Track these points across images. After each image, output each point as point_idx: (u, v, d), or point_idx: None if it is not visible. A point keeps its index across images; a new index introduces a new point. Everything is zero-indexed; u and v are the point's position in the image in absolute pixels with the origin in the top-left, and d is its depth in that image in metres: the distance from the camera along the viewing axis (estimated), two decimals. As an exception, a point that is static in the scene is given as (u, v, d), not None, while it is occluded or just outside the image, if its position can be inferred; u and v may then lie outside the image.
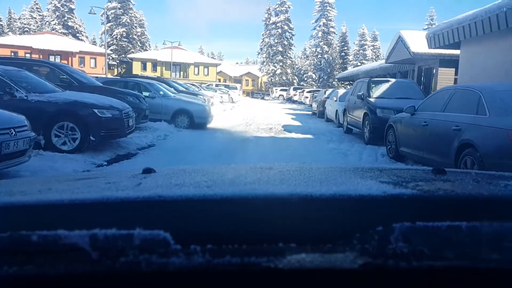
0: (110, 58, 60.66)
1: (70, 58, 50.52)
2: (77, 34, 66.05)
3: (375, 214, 0.53)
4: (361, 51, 58.94)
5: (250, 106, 30.44)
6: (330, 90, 19.42)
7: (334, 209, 0.55)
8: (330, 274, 0.48)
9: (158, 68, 55.74)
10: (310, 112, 22.56)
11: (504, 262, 0.49)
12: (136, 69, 55.38)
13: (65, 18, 65.13)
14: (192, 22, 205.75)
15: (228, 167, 0.96)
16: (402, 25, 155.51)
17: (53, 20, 64.78)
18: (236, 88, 36.37)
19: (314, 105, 20.74)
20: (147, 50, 62.27)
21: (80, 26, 68.02)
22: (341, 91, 15.84)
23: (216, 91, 30.08)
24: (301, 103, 36.13)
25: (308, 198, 0.56)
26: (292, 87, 44.84)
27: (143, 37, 74.86)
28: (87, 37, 68.14)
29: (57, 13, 64.83)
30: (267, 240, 0.48)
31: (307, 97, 33.74)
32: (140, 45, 67.01)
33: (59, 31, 62.26)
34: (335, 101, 15.21)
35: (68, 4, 64.64)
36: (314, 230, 0.50)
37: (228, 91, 33.64)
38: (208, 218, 0.52)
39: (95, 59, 52.55)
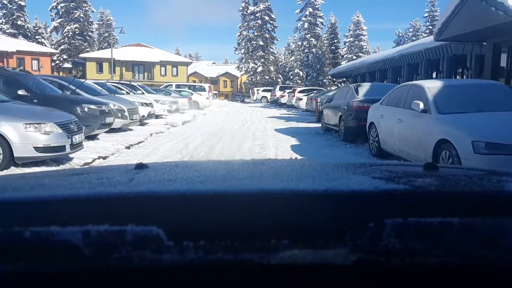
0: (61, 58, 49.73)
1: (5, 59, 39.39)
2: (36, 36, 54.93)
3: (367, 210, 0.51)
4: (356, 42, 48.97)
5: (221, 115, 20.13)
6: (367, 85, 9.31)
7: (326, 205, 0.52)
8: (322, 270, 0.47)
9: (117, 69, 44.96)
10: (319, 126, 12.46)
11: (497, 259, 0.48)
12: (91, 70, 44.57)
13: (14, 17, 53.67)
14: (169, 24, 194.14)
15: (221, 162, 0.93)
16: (394, 22, 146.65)
17: (0, 19, 53.37)
18: (204, 90, 26.03)
19: (329, 115, 10.55)
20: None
21: (40, 28, 56.71)
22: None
23: (170, 94, 19.74)
24: (292, 107, 25.93)
25: (301, 194, 0.53)
26: (278, 86, 34.56)
27: (110, 38, 64.30)
28: (52, 43, 56.13)
29: (4, 11, 53.43)
30: (260, 236, 0.46)
31: (300, 99, 23.58)
32: (107, 46, 56.15)
33: (7, 31, 51.04)
34: None
35: (17, 1, 53.08)
36: (306, 226, 0.48)
37: (191, 94, 23.30)
38: (201, 214, 0.50)
39: (38, 60, 41.41)
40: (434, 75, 18.20)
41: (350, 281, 0.48)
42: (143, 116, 12.43)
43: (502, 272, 0.49)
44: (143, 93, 16.51)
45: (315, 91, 22.77)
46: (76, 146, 5.93)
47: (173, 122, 13.60)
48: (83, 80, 10.27)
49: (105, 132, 9.79)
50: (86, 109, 7.77)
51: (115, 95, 11.32)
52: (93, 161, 6.68)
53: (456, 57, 15.57)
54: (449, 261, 0.47)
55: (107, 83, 13.63)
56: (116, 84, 14.42)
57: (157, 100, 15.12)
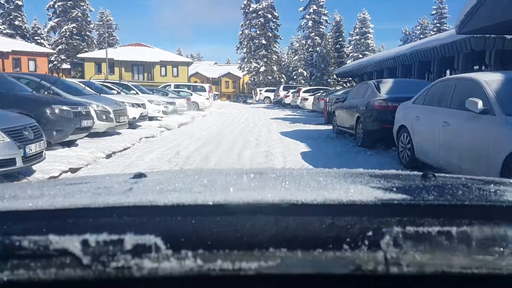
0: (59, 59, 48.59)
1: (0, 59, 38.29)
2: (35, 37, 53.89)
3: (366, 220, 0.51)
4: (362, 40, 47.50)
5: (221, 117, 18.89)
6: (389, 82, 7.95)
7: (324, 214, 0.52)
8: (320, 279, 0.48)
9: (116, 70, 43.79)
10: (330, 128, 11.19)
11: (495, 268, 0.48)
12: (89, 71, 43.35)
13: (11, 17, 52.67)
14: (170, 25, 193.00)
15: (219, 172, 0.93)
16: (399, 21, 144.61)
17: (-4, 19, 52.37)
18: (204, 90, 24.75)
19: (343, 116, 9.27)
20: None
21: (39, 28, 55.64)
22: None
23: (167, 95, 18.52)
24: (296, 107, 24.62)
25: (299, 204, 0.54)
26: (281, 86, 33.15)
27: (111, 38, 63.18)
28: (49, 43, 54.69)
29: (1, 11, 52.43)
30: (258, 246, 0.47)
31: (306, 99, 22.31)
32: (107, 46, 54.88)
33: (4, 31, 50.03)
34: None
35: (14, 0, 52.01)
36: (304, 235, 0.49)
37: (190, 95, 22.06)
38: (200, 223, 0.50)
39: (34, 60, 40.26)
40: (447, 73, 17.08)
41: None
42: (134, 118, 11.17)
43: (501, 281, 0.48)
44: (137, 93, 15.28)
45: (321, 91, 21.48)
46: (32, 158, 4.67)
47: (168, 125, 12.34)
48: (57, 77, 8.98)
49: (87, 137, 8.56)
50: (57, 111, 6.51)
51: (101, 94, 10.06)
52: (60, 174, 5.43)
53: (473, 54, 14.32)
54: (448, 270, 0.47)
55: (96, 82, 12.40)
56: (104, 83, 13.16)
57: (151, 100, 13.85)
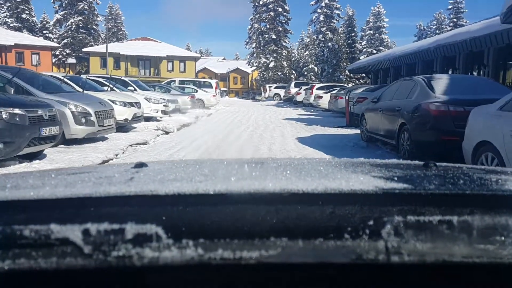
0: (64, 53, 47.13)
1: (3, 53, 36.86)
2: (44, 31, 52.54)
3: (367, 209, 0.51)
4: (376, 35, 45.28)
5: (228, 116, 17.13)
6: (444, 78, 6.11)
7: (325, 204, 0.52)
8: (321, 268, 0.48)
9: (122, 64, 42.19)
10: (356, 133, 9.37)
11: (495, 257, 0.48)
12: (95, 65, 41.85)
13: (19, 10, 51.32)
14: (179, 20, 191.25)
15: (221, 162, 0.91)
16: (411, 18, 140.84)
17: (4, 12, 51.11)
18: (210, 86, 22.98)
19: (377, 120, 7.43)
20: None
21: (48, 22, 54.21)
22: None
23: (169, 91, 16.82)
24: (309, 106, 22.75)
25: (300, 193, 0.54)
26: (293, 83, 31.28)
27: (119, 33, 61.75)
28: (56, 38, 53.23)
29: (9, 4, 51.10)
30: (259, 235, 0.47)
31: (320, 97, 20.43)
32: (116, 41, 53.33)
33: (11, 25, 48.74)
34: None
35: (22, -7, 50.69)
36: (305, 224, 0.49)
37: (195, 91, 20.31)
38: (201, 212, 0.50)
39: (38, 54, 38.77)
40: (474, 70, 15.30)
41: (349, 279, 0.48)
42: (126, 119, 9.47)
43: (501, 270, 0.48)
44: (134, 89, 13.60)
45: (337, 88, 19.60)
46: None
47: (167, 127, 10.61)
48: (19, 67, 7.28)
49: (64, 144, 6.86)
50: (4, 116, 4.78)
51: (85, 92, 8.35)
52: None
53: (507, 48, 12.42)
54: (449, 259, 0.47)
55: (83, 77, 10.70)
56: (94, 78, 11.45)
57: (148, 98, 12.13)
